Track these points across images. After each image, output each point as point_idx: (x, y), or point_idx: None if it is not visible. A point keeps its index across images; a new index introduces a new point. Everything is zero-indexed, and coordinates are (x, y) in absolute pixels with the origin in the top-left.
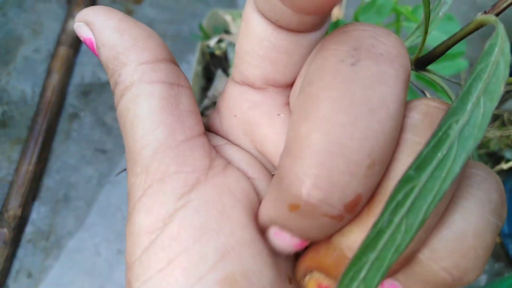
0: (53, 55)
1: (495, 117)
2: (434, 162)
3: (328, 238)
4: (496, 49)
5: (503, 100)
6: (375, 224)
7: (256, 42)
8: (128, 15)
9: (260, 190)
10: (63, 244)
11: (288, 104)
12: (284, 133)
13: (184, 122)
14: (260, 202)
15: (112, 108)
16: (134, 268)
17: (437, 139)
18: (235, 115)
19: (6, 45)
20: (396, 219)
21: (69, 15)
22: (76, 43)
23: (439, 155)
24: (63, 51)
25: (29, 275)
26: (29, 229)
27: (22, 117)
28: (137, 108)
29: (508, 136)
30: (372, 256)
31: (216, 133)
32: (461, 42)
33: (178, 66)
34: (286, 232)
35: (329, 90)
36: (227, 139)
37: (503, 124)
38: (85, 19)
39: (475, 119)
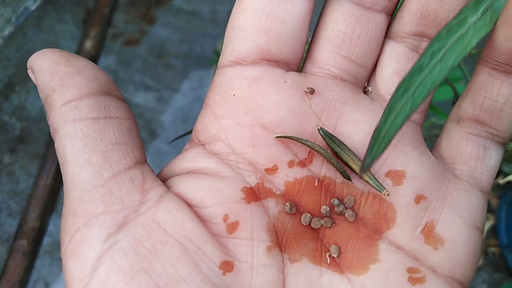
0: None
1: None
2: (457, 34)
3: None
4: None
5: None
6: (418, 60)
7: (250, 14)
8: (69, 52)
9: (210, 216)
10: None
11: (287, 73)
12: (294, 96)
13: (110, 157)
14: (204, 229)
15: None
16: None
17: (457, 21)
18: (234, 94)
19: (25, 64)
20: (433, 62)
21: (85, 35)
22: (92, 62)
23: (461, 31)
24: None
25: (47, 285)
26: (46, 240)
27: (40, 133)
28: (64, 150)
29: (506, 151)
30: (417, 81)
31: (207, 128)
32: None
33: (114, 94)
34: None
35: None
36: (221, 129)
37: None
38: (29, 65)
39: (485, 17)
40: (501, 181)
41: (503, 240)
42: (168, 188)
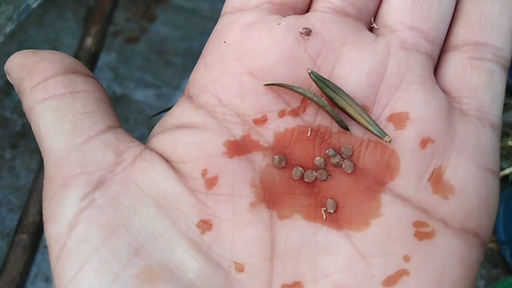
0: None
1: None
2: None
3: None
4: None
5: None
6: None
7: None
8: (38, 49)
9: (189, 171)
10: None
11: (283, 15)
12: (288, 39)
13: (80, 125)
14: (182, 187)
15: (127, 120)
16: (53, 282)
17: None
18: (225, 41)
19: None
20: None
21: (86, 32)
22: (93, 59)
23: None
24: None
25: (46, 279)
26: None
27: None
28: (38, 128)
29: (503, 147)
30: None
31: (197, 80)
32: None
33: (80, 72)
34: None
35: None
36: (209, 79)
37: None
38: (6, 70)
39: None
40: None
41: (501, 235)
42: (150, 146)
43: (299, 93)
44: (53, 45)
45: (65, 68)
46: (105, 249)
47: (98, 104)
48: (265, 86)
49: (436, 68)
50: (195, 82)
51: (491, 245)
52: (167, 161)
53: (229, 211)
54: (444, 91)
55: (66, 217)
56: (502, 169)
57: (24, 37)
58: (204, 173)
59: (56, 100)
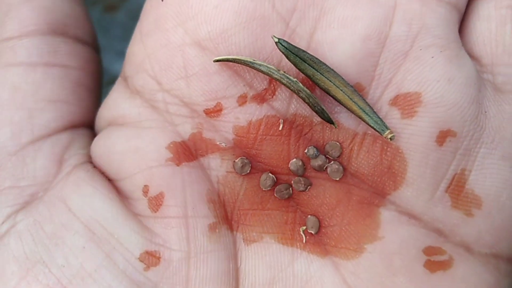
0: None
1: None
2: None
3: None
4: None
5: None
6: None
7: None
8: None
9: (129, 190)
10: None
11: None
12: None
13: (36, 118)
14: (122, 208)
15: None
16: None
17: None
18: (163, 0)
19: None
20: None
21: None
22: None
23: None
24: None
25: None
26: None
27: None
28: None
29: None
30: None
31: (133, 54)
32: None
33: (71, 35)
34: None
35: None
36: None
37: None
38: None
39: None
40: None
41: None
42: (92, 154)
43: (262, 72)
44: None
45: (52, 25)
46: None
47: (74, 91)
48: (217, 63)
49: (461, 24)
50: (131, 58)
51: None
52: (108, 178)
53: (183, 238)
54: (472, 57)
55: None
56: None
57: None
58: (145, 190)
59: (21, 73)
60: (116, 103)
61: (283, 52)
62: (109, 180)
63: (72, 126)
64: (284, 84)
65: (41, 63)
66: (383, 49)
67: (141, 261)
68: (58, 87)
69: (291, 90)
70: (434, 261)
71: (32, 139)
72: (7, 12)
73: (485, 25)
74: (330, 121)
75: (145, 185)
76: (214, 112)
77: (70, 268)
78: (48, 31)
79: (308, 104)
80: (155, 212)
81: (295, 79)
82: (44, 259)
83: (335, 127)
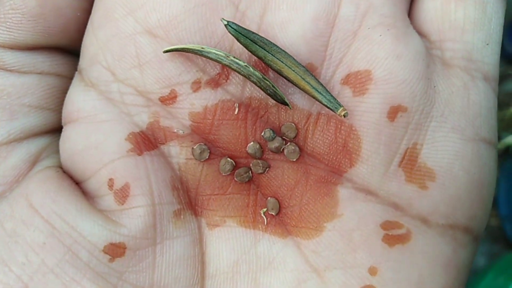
0: None
1: None
2: None
3: None
4: None
5: (498, 83)
6: None
7: None
8: None
9: (95, 189)
10: None
11: None
12: None
13: (17, 121)
14: (85, 203)
15: None
16: None
17: None
18: None
19: None
20: None
21: None
22: None
23: None
24: None
25: None
26: None
27: None
28: None
29: (502, 119)
30: None
31: (85, 46)
32: None
33: (65, 45)
34: None
35: None
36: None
37: (498, 107)
38: None
39: None
40: (499, 145)
41: (503, 210)
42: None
43: (212, 59)
44: None
45: (45, 36)
46: None
47: (49, 96)
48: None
49: (411, 4)
50: (84, 50)
51: (491, 219)
52: (76, 181)
53: (149, 226)
54: (420, 34)
55: None
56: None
57: None
58: (110, 184)
59: (10, 77)
60: (71, 98)
61: (233, 35)
62: (77, 184)
63: (54, 130)
64: (234, 70)
65: (35, 71)
66: (332, 29)
67: (105, 253)
68: (47, 95)
69: (242, 75)
70: (392, 235)
71: (8, 140)
72: None
73: (431, 3)
74: (284, 102)
75: (109, 179)
76: (169, 99)
77: (31, 265)
78: (44, 42)
79: (260, 88)
80: (122, 204)
81: (245, 64)
82: (3, 257)
83: (290, 109)
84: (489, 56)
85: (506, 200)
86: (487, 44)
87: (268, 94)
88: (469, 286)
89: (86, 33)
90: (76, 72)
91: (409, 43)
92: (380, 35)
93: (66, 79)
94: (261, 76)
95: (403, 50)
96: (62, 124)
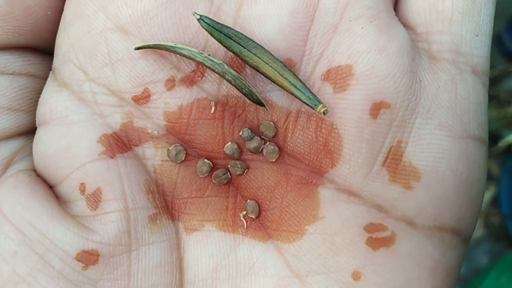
0: None
1: (492, 97)
2: None
3: None
4: None
5: (499, 80)
6: None
7: None
8: None
9: (66, 194)
10: None
11: None
12: None
13: None
14: (57, 209)
15: None
16: None
17: None
18: None
19: None
20: None
21: None
22: None
23: None
24: None
25: None
26: None
27: None
28: None
29: (504, 117)
30: None
31: (58, 45)
32: None
33: (39, 45)
34: None
35: None
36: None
37: (500, 104)
38: None
39: None
40: (500, 144)
41: (505, 209)
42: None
43: (185, 56)
44: None
45: (19, 36)
46: None
47: (21, 97)
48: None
49: None
50: (57, 49)
51: (493, 218)
52: (49, 185)
53: (123, 232)
54: (406, 26)
55: None
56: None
57: None
58: (82, 188)
59: None
60: (44, 98)
61: (206, 30)
62: (50, 188)
63: (28, 132)
64: (208, 67)
65: (5, 72)
66: (312, 22)
67: (78, 260)
68: (19, 96)
69: (216, 73)
70: (377, 238)
71: None
72: None
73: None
74: (260, 103)
75: (81, 184)
76: (142, 98)
77: (2, 274)
78: (14, 41)
79: (236, 87)
80: (95, 209)
81: (219, 61)
82: None
83: (267, 110)
84: (478, 48)
85: (508, 199)
86: (476, 36)
87: (244, 94)
88: (471, 285)
89: (58, 30)
90: (50, 72)
91: (393, 36)
92: (362, 28)
93: (40, 80)
94: (236, 75)
95: (386, 43)
96: (36, 125)
